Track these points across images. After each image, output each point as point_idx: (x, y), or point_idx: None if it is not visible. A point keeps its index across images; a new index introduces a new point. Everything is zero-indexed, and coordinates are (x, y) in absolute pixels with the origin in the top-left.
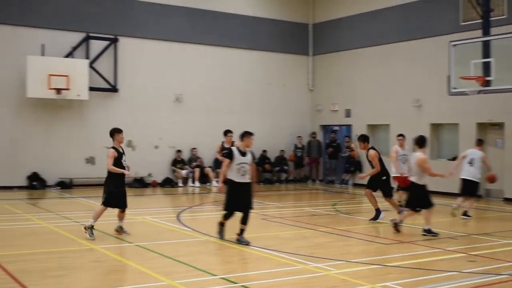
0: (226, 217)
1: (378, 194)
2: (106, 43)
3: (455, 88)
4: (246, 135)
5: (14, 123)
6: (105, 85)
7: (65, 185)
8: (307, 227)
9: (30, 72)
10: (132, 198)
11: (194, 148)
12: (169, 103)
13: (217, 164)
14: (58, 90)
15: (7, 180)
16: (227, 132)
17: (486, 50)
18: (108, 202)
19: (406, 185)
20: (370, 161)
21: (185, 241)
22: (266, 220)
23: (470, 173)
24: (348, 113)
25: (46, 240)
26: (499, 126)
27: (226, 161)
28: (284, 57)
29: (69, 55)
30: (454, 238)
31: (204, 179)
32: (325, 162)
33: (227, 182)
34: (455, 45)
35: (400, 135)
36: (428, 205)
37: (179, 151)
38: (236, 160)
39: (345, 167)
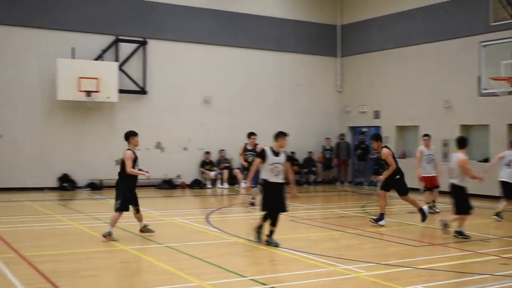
0: (265, 218)
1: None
2: (135, 45)
3: (485, 89)
4: (280, 135)
5: (45, 125)
6: (134, 88)
7: (95, 187)
8: (336, 228)
9: (60, 75)
10: (161, 200)
11: (222, 150)
12: (197, 105)
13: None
14: (88, 93)
15: (38, 181)
16: (250, 135)
17: None
18: (123, 207)
19: (433, 186)
20: (384, 160)
21: (214, 243)
22: (295, 221)
23: (509, 174)
24: (376, 115)
25: (77, 241)
26: None
27: (256, 161)
28: (312, 59)
29: (99, 58)
30: (486, 240)
31: (233, 180)
32: (353, 164)
33: (262, 182)
34: (485, 45)
35: (426, 135)
36: (467, 209)
37: (207, 152)
38: (269, 160)
39: (374, 169)
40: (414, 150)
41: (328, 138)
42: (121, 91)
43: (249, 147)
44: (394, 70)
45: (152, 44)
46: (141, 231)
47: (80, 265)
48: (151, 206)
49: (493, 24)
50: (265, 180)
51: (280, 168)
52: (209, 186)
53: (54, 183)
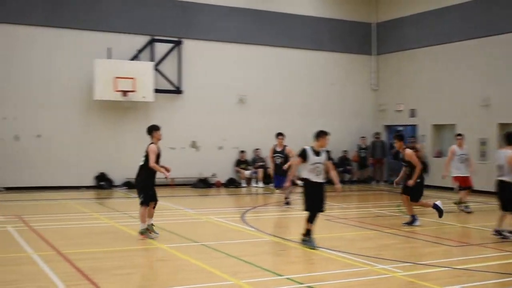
0: (311, 219)
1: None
2: (170, 45)
3: None
4: (321, 134)
5: (82, 125)
6: (169, 87)
7: (131, 185)
8: (372, 228)
9: (97, 75)
10: (196, 198)
11: (257, 149)
12: (232, 104)
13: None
14: (124, 92)
15: (75, 180)
16: (278, 135)
17: None
18: (147, 201)
19: (466, 185)
20: (407, 162)
21: (250, 241)
22: (330, 221)
23: None
24: (412, 113)
25: (114, 239)
26: None
27: (297, 160)
28: (347, 57)
29: (134, 58)
30: None
31: (268, 179)
32: (389, 163)
33: (304, 182)
34: None
35: (459, 134)
36: None
37: (242, 151)
38: (310, 160)
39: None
40: None
41: (363, 137)
42: (157, 91)
43: (277, 149)
44: (431, 68)
45: (187, 44)
46: (147, 229)
47: (117, 263)
48: (187, 204)
49: None
50: (306, 180)
51: (321, 167)
52: (244, 185)
53: (91, 182)
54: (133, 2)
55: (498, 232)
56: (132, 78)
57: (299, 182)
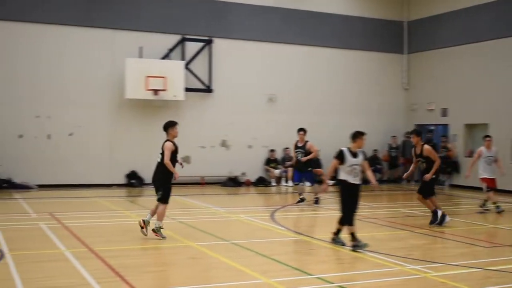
0: (347, 221)
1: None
2: (201, 44)
3: None
4: (358, 135)
5: (113, 123)
6: (200, 86)
7: None
8: (403, 228)
9: (128, 74)
10: (226, 197)
11: (287, 148)
12: (262, 103)
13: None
14: (155, 91)
15: (107, 178)
16: (299, 130)
17: None
18: (166, 198)
19: (494, 186)
20: (424, 158)
21: (280, 240)
22: (360, 220)
23: None
24: (444, 112)
25: (144, 237)
26: None
27: (334, 162)
28: (378, 56)
29: (165, 57)
30: None
31: None
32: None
33: (340, 183)
34: None
35: (487, 136)
36: None
37: (272, 150)
38: (348, 162)
39: (442, 168)
40: None
41: (394, 136)
42: (187, 90)
43: (299, 144)
44: (463, 67)
45: (217, 43)
46: (153, 230)
47: (147, 260)
48: (217, 203)
49: None
50: (344, 182)
51: (359, 169)
52: (273, 184)
53: (122, 180)
54: (164, 2)
55: None
56: (163, 77)
57: (330, 182)
